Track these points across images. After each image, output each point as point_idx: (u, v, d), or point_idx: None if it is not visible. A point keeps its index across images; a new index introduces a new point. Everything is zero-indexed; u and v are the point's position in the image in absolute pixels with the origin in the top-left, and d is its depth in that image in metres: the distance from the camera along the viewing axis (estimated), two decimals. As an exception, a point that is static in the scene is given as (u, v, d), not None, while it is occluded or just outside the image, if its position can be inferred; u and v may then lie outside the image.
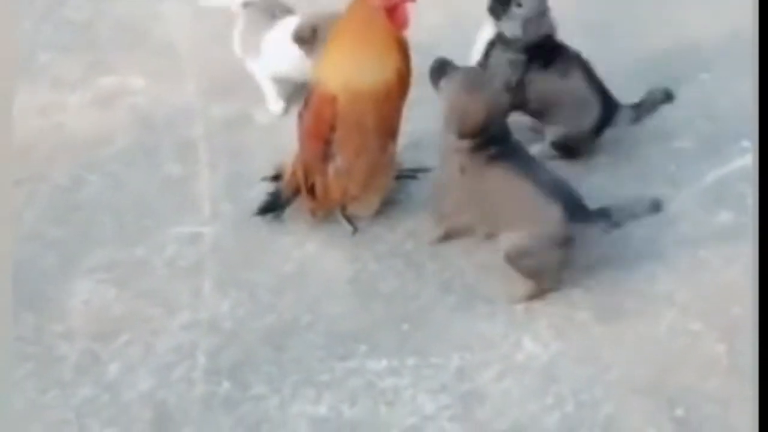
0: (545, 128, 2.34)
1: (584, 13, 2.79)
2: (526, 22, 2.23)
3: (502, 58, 2.27)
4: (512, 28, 2.24)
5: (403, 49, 2.13)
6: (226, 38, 2.83)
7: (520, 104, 2.29)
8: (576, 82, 2.27)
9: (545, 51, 2.26)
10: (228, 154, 2.46)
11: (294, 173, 2.22)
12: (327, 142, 2.13)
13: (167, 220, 2.28)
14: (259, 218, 2.26)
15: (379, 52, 2.09)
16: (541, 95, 2.28)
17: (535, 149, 2.27)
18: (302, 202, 2.23)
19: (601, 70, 2.33)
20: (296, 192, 2.23)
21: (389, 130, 2.18)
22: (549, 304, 2.06)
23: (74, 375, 1.97)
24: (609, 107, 2.29)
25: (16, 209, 2.29)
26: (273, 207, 2.25)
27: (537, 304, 2.06)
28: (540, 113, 2.32)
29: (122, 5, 2.98)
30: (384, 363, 1.97)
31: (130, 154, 2.46)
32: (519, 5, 2.22)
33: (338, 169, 2.16)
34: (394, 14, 2.10)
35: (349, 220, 2.25)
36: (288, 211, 2.26)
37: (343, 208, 2.24)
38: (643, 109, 2.31)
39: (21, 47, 2.80)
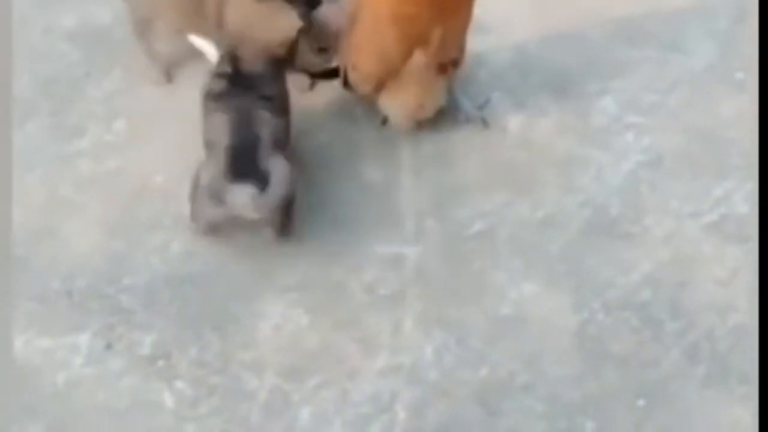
0: None
1: None
2: None
3: None
4: None
5: None
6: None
7: None
8: None
9: None
10: (435, 159, 2.17)
11: None
12: None
13: (367, 237, 2.02)
14: (469, 243, 1.98)
15: None
16: None
17: None
18: None
19: None
20: None
21: None
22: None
23: (262, 417, 1.76)
24: None
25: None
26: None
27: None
28: None
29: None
30: (617, 448, 1.68)
31: (328, 150, 2.20)
32: None
33: None
34: None
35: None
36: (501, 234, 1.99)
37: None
38: None
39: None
